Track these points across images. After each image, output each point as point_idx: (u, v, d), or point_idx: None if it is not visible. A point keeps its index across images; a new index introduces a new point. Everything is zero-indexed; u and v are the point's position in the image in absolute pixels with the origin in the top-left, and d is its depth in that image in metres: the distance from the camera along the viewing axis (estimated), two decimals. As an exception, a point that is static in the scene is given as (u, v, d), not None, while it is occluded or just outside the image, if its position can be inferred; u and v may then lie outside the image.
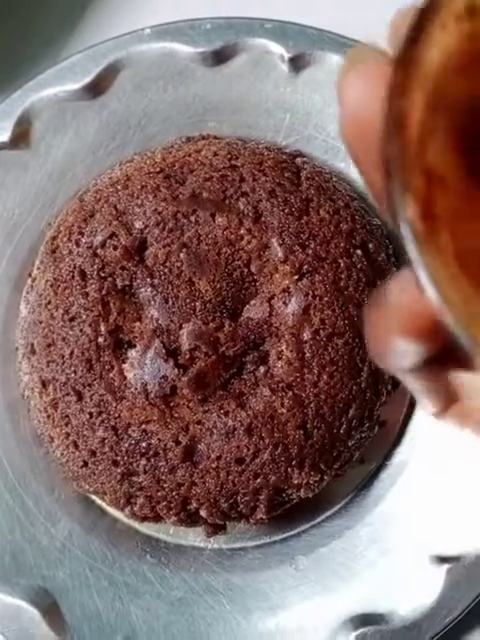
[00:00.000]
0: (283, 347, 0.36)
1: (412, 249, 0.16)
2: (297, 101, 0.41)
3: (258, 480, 0.36)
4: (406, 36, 0.16)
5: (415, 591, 0.37)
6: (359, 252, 0.38)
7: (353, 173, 0.41)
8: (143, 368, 0.36)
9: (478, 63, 0.17)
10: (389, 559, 0.37)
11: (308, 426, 0.36)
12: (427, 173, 0.16)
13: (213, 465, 0.36)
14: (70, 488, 0.39)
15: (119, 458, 0.36)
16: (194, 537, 0.39)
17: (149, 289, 0.37)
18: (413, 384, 0.22)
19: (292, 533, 0.39)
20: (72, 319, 0.37)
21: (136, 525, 0.39)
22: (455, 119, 0.17)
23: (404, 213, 0.16)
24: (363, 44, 0.19)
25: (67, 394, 0.37)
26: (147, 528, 0.39)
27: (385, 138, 0.16)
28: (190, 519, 0.37)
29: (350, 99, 0.18)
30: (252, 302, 0.37)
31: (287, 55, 0.40)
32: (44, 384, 0.38)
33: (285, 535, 0.39)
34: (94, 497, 0.39)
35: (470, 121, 0.17)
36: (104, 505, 0.39)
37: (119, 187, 0.38)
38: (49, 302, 0.38)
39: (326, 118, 0.41)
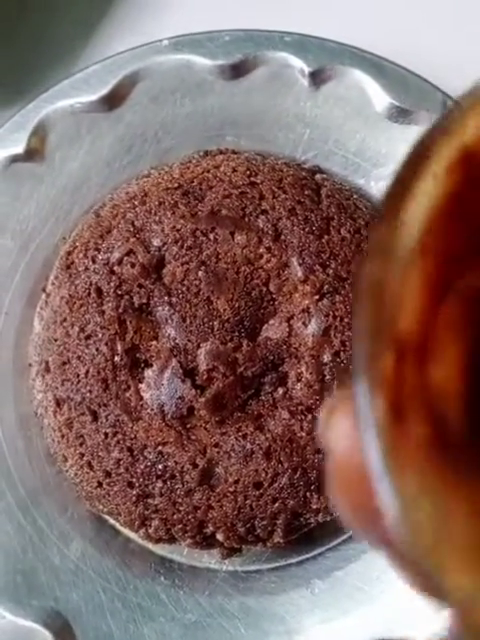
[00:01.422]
0: (302, 369, 0.36)
1: (376, 458, 0.14)
2: (317, 116, 0.40)
3: (276, 504, 0.35)
4: (388, 190, 0.15)
5: (432, 616, 0.36)
6: (380, 272, 0.37)
7: (373, 189, 0.40)
8: (160, 388, 0.36)
9: (466, 220, 0.15)
10: (406, 584, 0.37)
11: (328, 450, 0.35)
12: (399, 346, 0.14)
13: (231, 489, 0.35)
14: (83, 507, 0.39)
15: (134, 480, 0.36)
16: (209, 559, 0.39)
17: (166, 308, 0.36)
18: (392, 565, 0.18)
19: (308, 556, 0.38)
20: (88, 337, 0.37)
21: (149, 545, 0.39)
22: (438, 277, 0.15)
23: (371, 410, 0.14)
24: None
25: (82, 414, 0.36)
26: (161, 549, 0.39)
27: (356, 309, 0.15)
28: (206, 542, 0.36)
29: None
30: (271, 322, 0.37)
31: (307, 69, 0.40)
32: (58, 403, 0.37)
33: (301, 558, 0.38)
34: (107, 516, 0.39)
35: (457, 276, 0.15)
36: (117, 525, 0.39)
37: (136, 203, 0.38)
38: (64, 319, 0.37)
39: (346, 134, 0.40)
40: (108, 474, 0.36)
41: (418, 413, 0.14)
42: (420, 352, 0.15)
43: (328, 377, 0.35)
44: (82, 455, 0.37)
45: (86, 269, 0.37)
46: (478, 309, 0.16)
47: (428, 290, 0.15)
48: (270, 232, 0.37)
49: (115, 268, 0.37)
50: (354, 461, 0.15)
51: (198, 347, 0.36)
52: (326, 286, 0.36)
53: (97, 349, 0.36)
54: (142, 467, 0.35)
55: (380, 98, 0.39)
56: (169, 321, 0.36)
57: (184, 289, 0.36)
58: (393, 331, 0.14)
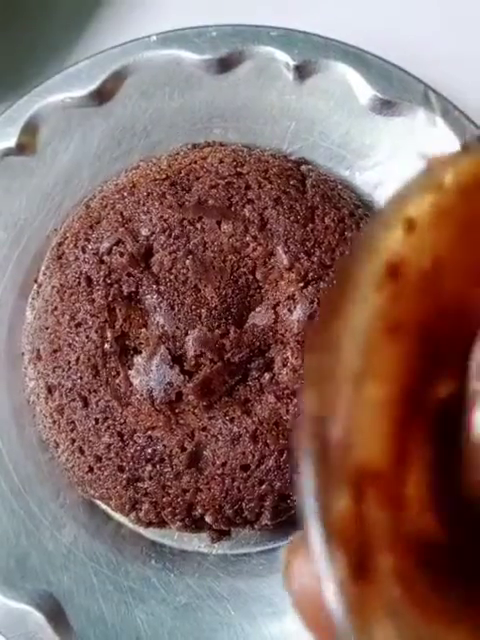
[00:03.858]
0: (288, 354, 0.36)
1: (339, 620, 0.13)
2: (302, 109, 0.41)
3: (263, 486, 0.36)
4: (321, 314, 0.15)
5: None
6: (364, 260, 0.38)
7: (357, 180, 0.41)
8: (149, 374, 0.37)
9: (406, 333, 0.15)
10: None
11: (313, 433, 0.36)
12: (356, 479, 0.13)
13: (218, 471, 0.36)
14: (75, 493, 0.39)
15: (125, 464, 0.36)
16: (199, 542, 0.39)
17: (155, 296, 0.37)
18: None
19: (296, 539, 0.39)
20: (78, 325, 0.37)
21: (141, 530, 0.39)
22: (399, 397, 0.14)
23: (330, 567, 0.13)
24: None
25: (73, 400, 0.37)
26: (152, 533, 0.39)
27: (298, 450, 0.14)
28: (195, 525, 0.37)
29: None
30: (257, 309, 0.37)
31: (292, 63, 0.41)
32: (50, 390, 0.38)
33: (289, 541, 0.39)
34: (99, 502, 0.39)
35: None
36: (109, 510, 0.40)
37: (125, 194, 0.39)
38: (55, 308, 0.38)
39: (331, 126, 0.41)
40: (99, 459, 0.37)
41: (387, 552, 0.13)
42: (385, 481, 0.14)
43: (313, 362, 0.36)
44: (73, 440, 0.37)
45: (76, 259, 0.38)
46: (441, 423, 0.15)
47: (388, 414, 0.14)
48: (256, 221, 0.37)
49: (104, 257, 0.38)
50: (310, 590, 0.15)
51: (186, 334, 0.37)
52: (311, 273, 0.37)
53: (87, 336, 0.37)
54: (132, 451, 0.36)
55: (364, 90, 0.40)
56: (158, 309, 0.37)
57: (172, 277, 0.37)
58: (347, 466, 0.13)
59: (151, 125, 0.42)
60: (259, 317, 0.37)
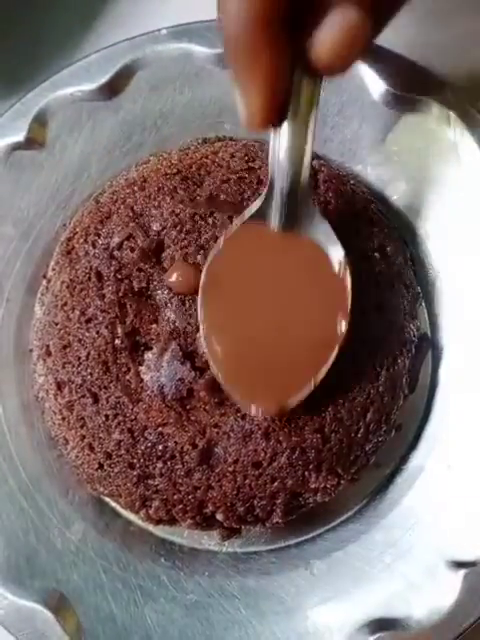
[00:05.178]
0: (301, 350, 0.36)
1: None
2: (314, 103, 0.41)
3: (275, 484, 0.36)
4: None
5: (431, 596, 0.37)
6: (377, 255, 0.37)
7: (370, 176, 0.41)
8: (160, 370, 0.36)
9: None
10: (405, 564, 0.37)
11: (326, 430, 0.36)
12: None
13: (230, 468, 0.35)
14: (84, 490, 0.39)
15: (135, 461, 0.36)
16: (208, 540, 0.39)
17: (166, 291, 0.37)
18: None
19: (307, 537, 0.39)
20: (88, 321, 0.37)
21: (150, 527, 0.39)
22: None
23: None
24: None
25: (83, 396, 0.37)
26: (161, 531, 0.39)
27: None
28: (206, 523, 0.37)
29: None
30: (269, 305, 0.37)
31: (304, 57, 0.40)
32: (59, 386, 0.37)
33: (300, 539, 0.39)
34: (108, 499, 0.39)
35: None
36: (118, 507, 0.39)
37: (136, 188, 0.38)
38: (65, 303, 0.38)
39: (342, 121, 0.41)
40: (109, 455, 0.36)
41: None
42: None
43: (326, 358, 0.36)
44: (83, 437, 0.37)
45: (86, 254, 0.38)
46: None
47: None
48: (268, 216, 0.37)
49: (115, 253, 0.37)
50: None
51: (197, 330, 0.36)
52: (323, 269, 0.36)
53: (98, 332, 0.37)
54: (142, 448, 0.36)
55: (376, 85, 0.40)
56: (168, 304, 0.37)
57: (183, 273, 0.37)
58: None
59: (161, 119, 0.42)
60: (271, 313, 0.37)
